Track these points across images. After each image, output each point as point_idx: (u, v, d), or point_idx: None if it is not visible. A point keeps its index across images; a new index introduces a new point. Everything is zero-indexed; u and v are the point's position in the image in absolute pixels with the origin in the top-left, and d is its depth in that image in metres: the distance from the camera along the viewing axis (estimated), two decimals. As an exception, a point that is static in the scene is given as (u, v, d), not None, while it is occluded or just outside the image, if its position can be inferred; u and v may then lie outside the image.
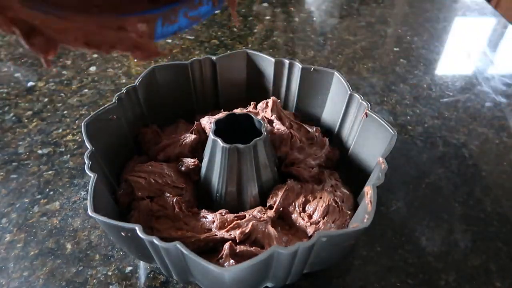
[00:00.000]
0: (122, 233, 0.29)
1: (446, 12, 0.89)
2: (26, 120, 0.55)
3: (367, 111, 0.39)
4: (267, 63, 0.47)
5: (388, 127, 0.36)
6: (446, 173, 0.48)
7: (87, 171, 0.32)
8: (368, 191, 0.33)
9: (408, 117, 0.56)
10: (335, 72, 0.43)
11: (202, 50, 0.72)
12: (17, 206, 0.43)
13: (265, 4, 0.91)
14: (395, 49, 0.74)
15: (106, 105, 0.39)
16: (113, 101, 0.39)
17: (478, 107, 0.59)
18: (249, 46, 0.74)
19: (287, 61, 0.46)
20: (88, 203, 0.30)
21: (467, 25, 0.87)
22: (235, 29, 0.80)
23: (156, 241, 0.27)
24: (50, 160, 0.49)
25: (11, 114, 0.56)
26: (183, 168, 0.40)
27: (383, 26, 0.82)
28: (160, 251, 0.28)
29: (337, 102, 0.44)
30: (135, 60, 0.69)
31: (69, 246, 0.39)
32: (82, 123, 0.36)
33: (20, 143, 0.51)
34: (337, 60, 0.70)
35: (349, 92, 0.42)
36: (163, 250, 0.27)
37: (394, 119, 0.56)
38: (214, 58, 0.47)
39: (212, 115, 0.45)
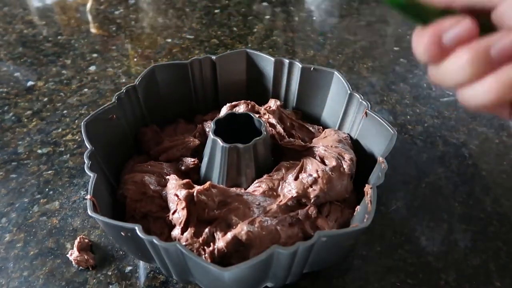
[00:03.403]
0: (122, 233, 0.29)
1: (446, 11, 0.89)
2: (25, 120, 0.55)
3: (367, 110, 0.39)
4: (267, 62, 0.47)
5: (388, 127, 0.36)
6: (446, 172, 0.48)
7: (87, 171, 0.32)
8: (368, 191, 0.33)
9: (408, 117, 0.56)
10: (335, 72, 0.43)
11: (202, 49, 0.72)
12: (17, 205, 0.43)
13: (265, 4, 0.91)
14: (395, 48, 0.74)
15: (105, 105, 0.38)
16: (113, 100, 0.39)
17: (478, 107, 0.59)
18: (249, 45, 0.74)
19: (287, 61, 0.46)
20: (88, 202, 0.30)
21: (467, 25, 0.86)
22: (235, 29, 0.80)
23: (156, 241, 0.27)
24: (49, 159, 0.49)
25: (11, 114, 0.56)
26: (183, 168, 0.40)
27: (383, 26, 0.82)
28: (160, 251, 0.28)
29: (337, 101, 0.44)
30: (135, 60, 0.69)
31: (68, 245, 0.39)
32: (82, 123, 0.36)
33: (20, 142, 0.51)
34: (337, 59, 0.70)
35: (349, 92, 0.41)
36: (163, 250, 0.27)
37: (394, 118, 0.56)
38: (214, 57, 0.46)
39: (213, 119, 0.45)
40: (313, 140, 0.41)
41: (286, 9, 0.89)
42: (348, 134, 0.43)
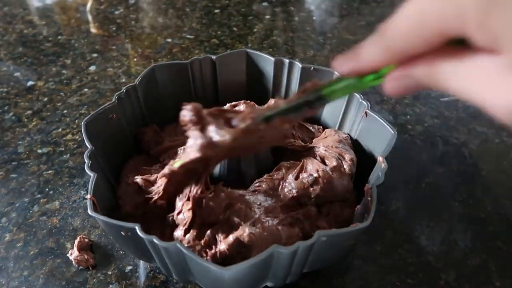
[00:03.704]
0: (122, 233, 0.29)
1: (446, 11, 0.89)
2: (25, 120, 0.55)
3: (367, 110, 0.39)
4: (267, 62, 0.47)
5: (388, 127, 0.36)
6: (446, 172, 0.48)
7: (87, 171, 0.32)
8: (368, 190, 0.33)
9: (408, 117, 0.56)
10: (335, 72, 0.43)
11: (202, 49, 0.72)
12: (17, 205, 0.43)
13: (265, 4, 0.91)
14: (395, 48, 0.74)
15: (106, 105, 0.38)
16: (113, 100, 0.39)
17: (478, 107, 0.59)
18: (249, 45, 0.74)
19: (287, 61, 0.46)
20: (88, 202, 0.30)
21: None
22: (235, 29, 0.80)
23: (156, 240, 0.27)
24: (50, 159, 0.49)
25: (11, 114, 0.56)
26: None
27: (383, 26, 0.81)
28: (160, 251, 0.28)
29: (337, 101, 0.44)
30: (135, 59, 0.69)
31: (69, 245, 0.39)
32: (82, 123, 0.36)
33: (20, 142, 0.51)
34: (337, 59, 0.70)
35: (349, 92, 0.41)
36: (163, 250, 0.27)
37: (394, 118, 0.56)
38: (214, 57, 0.46)
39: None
40: (314, 140, 0.41)
41: (286, 9, 0.89)
42: (348, 134, 0.43)
